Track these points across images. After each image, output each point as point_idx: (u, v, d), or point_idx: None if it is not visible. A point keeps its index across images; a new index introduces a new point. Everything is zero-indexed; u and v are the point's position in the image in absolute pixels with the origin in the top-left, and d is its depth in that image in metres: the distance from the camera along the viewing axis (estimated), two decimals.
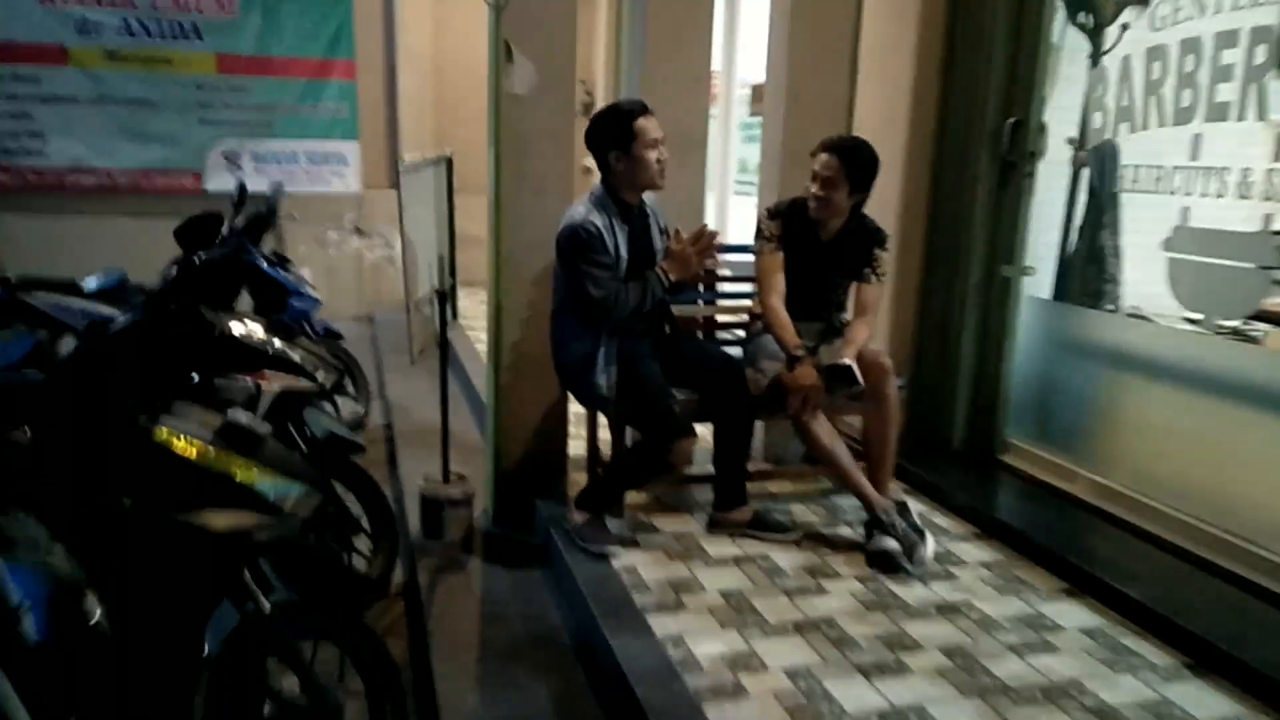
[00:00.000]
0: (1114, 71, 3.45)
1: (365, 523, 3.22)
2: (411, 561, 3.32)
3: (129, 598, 1.99)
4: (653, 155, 3.01)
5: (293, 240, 7.64)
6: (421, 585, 3.17)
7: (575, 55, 3.47)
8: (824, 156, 3.16)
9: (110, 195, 7.37)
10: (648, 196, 3.18)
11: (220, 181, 7.52)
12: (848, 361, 3.01)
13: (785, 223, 3.30)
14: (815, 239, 3.30)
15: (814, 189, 3.19)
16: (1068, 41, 3.72)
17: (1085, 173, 3.66)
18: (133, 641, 1.99)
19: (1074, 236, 3.72)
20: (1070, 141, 3.71)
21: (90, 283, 3.84)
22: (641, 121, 2.99)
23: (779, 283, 3.28)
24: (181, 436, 1.96)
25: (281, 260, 4.86)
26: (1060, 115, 3.68)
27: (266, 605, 2.04)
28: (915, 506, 3.27)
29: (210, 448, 1.98)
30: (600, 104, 8.06)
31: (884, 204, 3.90)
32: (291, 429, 3.08)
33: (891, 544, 2.97)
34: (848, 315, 3.45)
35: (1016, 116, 3.60)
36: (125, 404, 1.99)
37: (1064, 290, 3.75)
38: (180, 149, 7.46)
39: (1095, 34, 3.67)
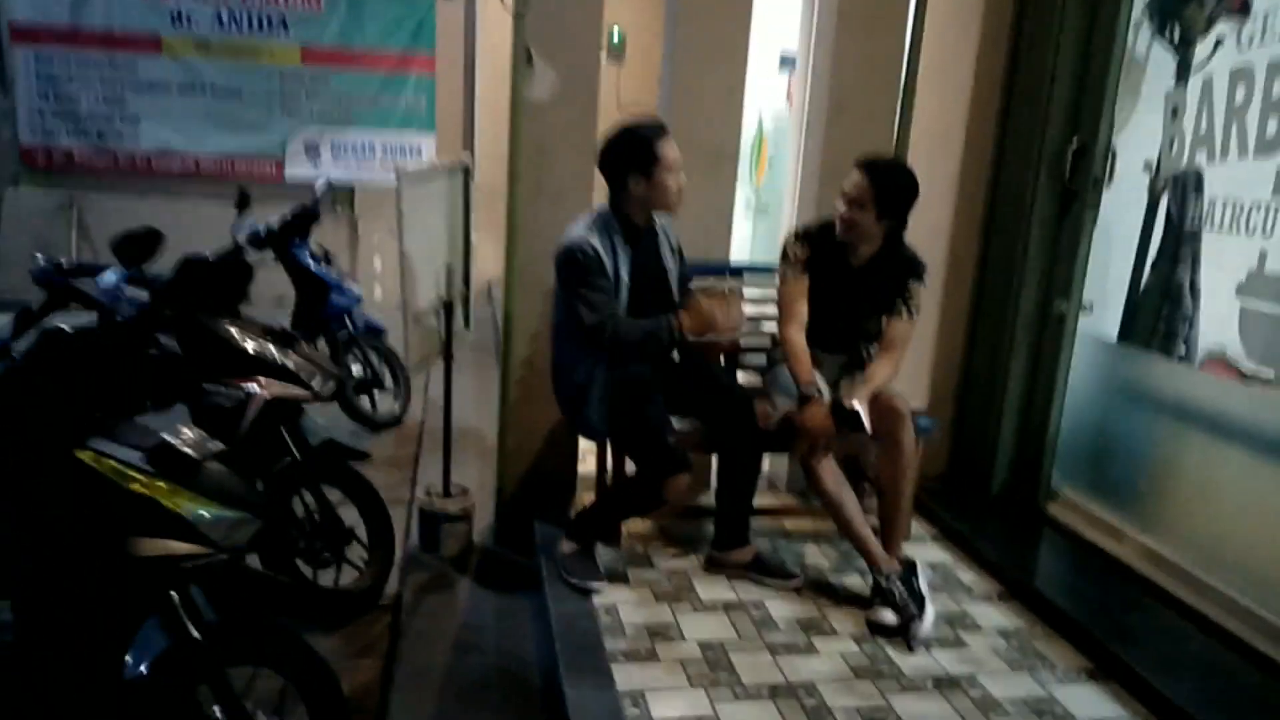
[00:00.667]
0: (1194, 94, 3.09)
1: (363, 531, 3.16)
2: (402, 577, 3.23)
3: (47, 611, 1.95)
4: (674, 181, 2.84)
5: (366, 231, 7.74)
6: (405, 604, 3.08)
7: (599, 61, 3.32)
8: (854, 175, 2.92)
9: (195, 180, 7.59)
10: (658, 214, 3.00)
11: (300, 169, 7.69)
12: (854, 404, 2.78)
13: (813, 246, 3.06)
14: (845, 265, 3.06)
15: (840, 208, 2.96)
16: (1154, 56, 3.38)
17: (1163, 203, 3.31)
18: (47, 657, 1.94)
19: (1146, 274, 3.37)
20: (1147, 167, 3.36)
21: (108, 277, 3.86)
22: (665, 146, 2.82)
23: (800, 311, 3.06)
24: (105, 458, 1.90)
25: (325, 256, 4.88)
26: (1142, 138, 3.33)
27: (194, 631, 1.97)
28: (936, 556, 3.01)
29: (135, 472, 1.91)
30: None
31: (935, 227, 3.63)
32: (286, 435, 3.04)
33: (888, 616, 2.72)
34: None
35: (1081, 140, 3.27)
36: (55, 417, 1.94)
37: (1131, 332, 3.40)
38: (263, 137, 7.63)
39: (1183, 49, 3.31)
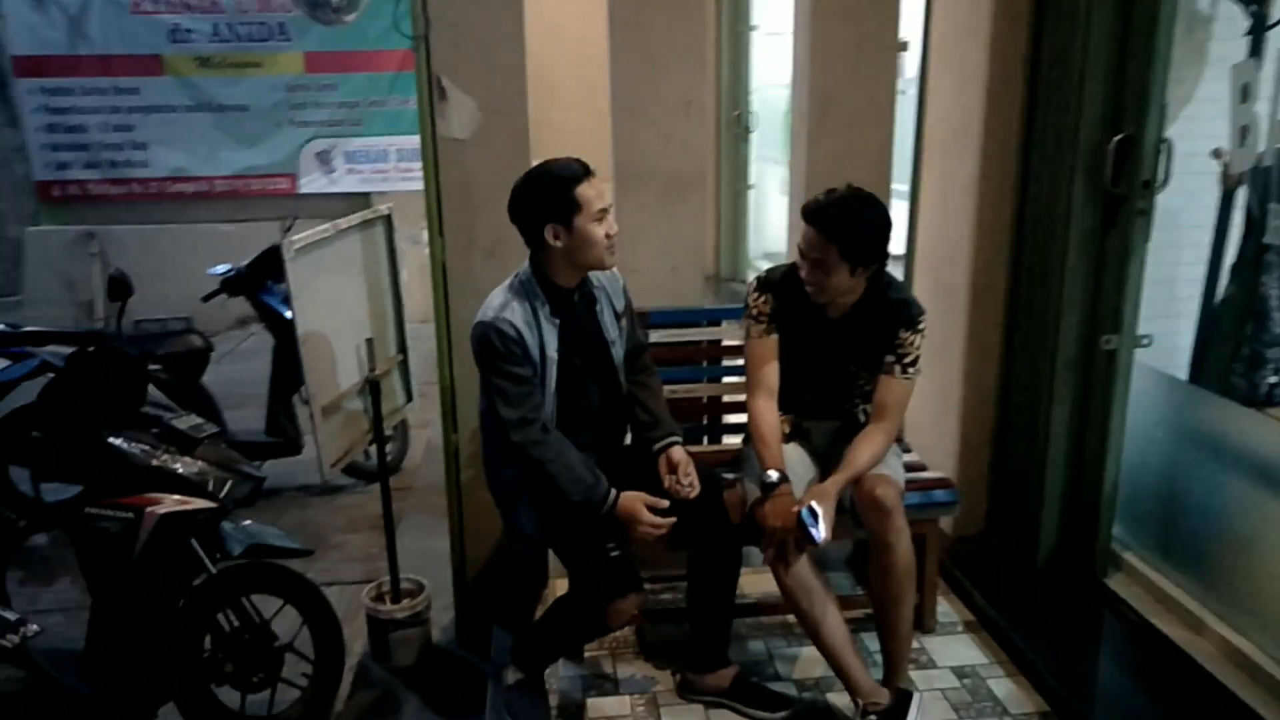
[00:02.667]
0: (1271, 65, 2.39)
1: (309, 638, 2.79)
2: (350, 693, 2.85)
3: None
4: (600, 230, 2.31)
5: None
6: None
7: (526, 84, 2.79)
8: (807, 231, 2.33)
9: (210, 201, 7.36)
10: (598, 272, 2.48)
11: (313, 182, 7.37)
12: (810, 505, 2.23)
13: (779, 297, 2.50)
14: (822, 316, 2.49)
15: (803, 272, 2.38)
16: (1220, 16, 2.68)
17: (1239, 203, 2.63)
18: None
19: (1221, 292, 2.70)
20: (1218, 155, 2.67)
21: None
22: (585, 188, 2.29)
23: (767, 376, 2.51)
24: None
25: None
26: (1209, 115, 2.64)
27: None
28: (966, 655, 2.45)
29: None
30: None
31: (954, 245, 3.02)
32: (199, 547, 2.66)
33: None
34: None
35: (1125, 131, 2.60)
36: None
37: (1204, 367, 2.74)
38: (274, 151, 7.34)
39: (1257, 5, 2.60)
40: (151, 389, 4.31)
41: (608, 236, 2.33)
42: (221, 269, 4.53)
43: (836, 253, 2.27)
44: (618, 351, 2.51)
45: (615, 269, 2.48)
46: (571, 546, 2.39)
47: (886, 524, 2.29)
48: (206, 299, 4.56)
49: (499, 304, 2.37)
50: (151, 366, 4.34)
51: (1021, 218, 2.88)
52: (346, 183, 7.38)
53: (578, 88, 5.86)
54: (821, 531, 2.20)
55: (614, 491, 2.33)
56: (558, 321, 2.39)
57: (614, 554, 2.33)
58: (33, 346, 4.01)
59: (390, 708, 2.83)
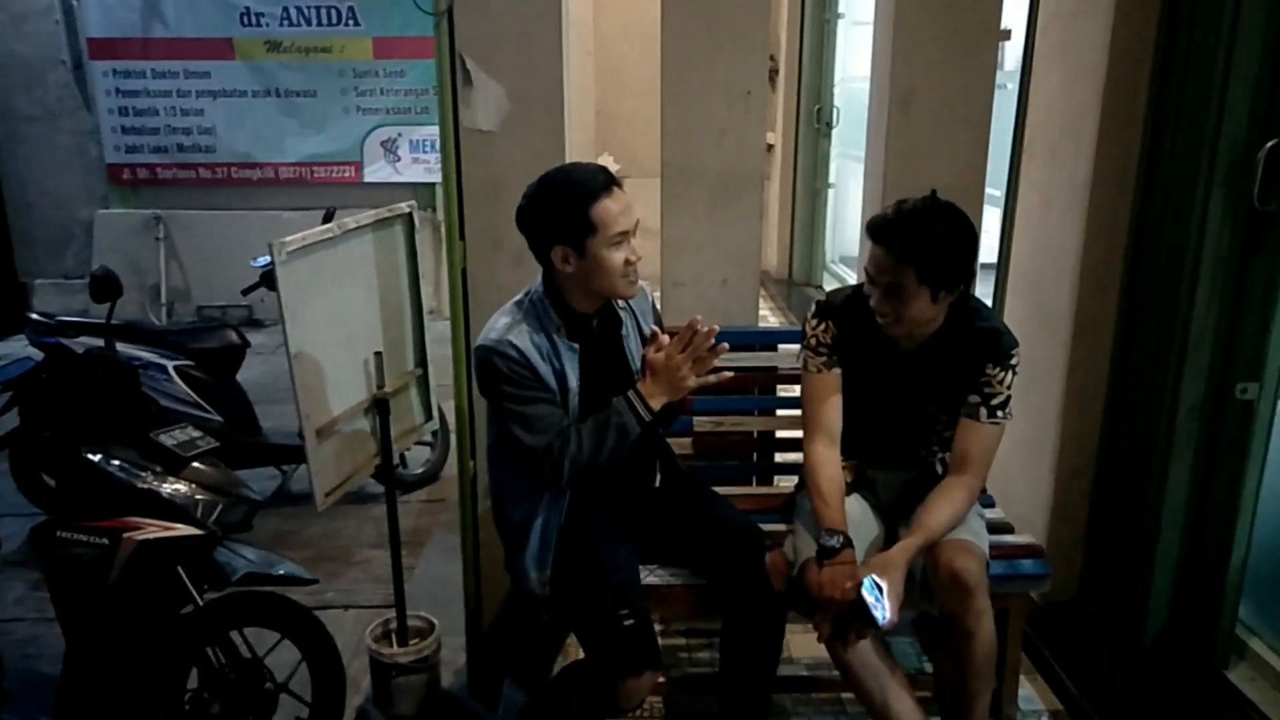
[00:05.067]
0: None
1: (307, 676, 2.53)
2: None
3: None
4: (619, 256, 1.96)
5: None
6: None
7: (562, 70, 2.45)
8: (875, 251, 1.93)
9: (275, 188, 7.25)
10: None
11: (378, 171, 7.20)
12: (871, 579, 1.83)
13: (842, 324, 2.11)
14: (893, 347, 2.10)
15: (873, 300, 1.98)
16: None
17: None
18: None
19: None
20: None
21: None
22: (603, 207, 1.93)
23: (829, 417, 2.12)
24: None
25: None
26: None
27: None
28: None
29: None
30: (784, 73, 6.81)
31: (1059, 260, 2.59)
32: (186, 576, 2.40)
33: None
34: None
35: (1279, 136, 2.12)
36: None
37: None
38: (340, 139, 7.21)
39: None
40: (184, 387, 4.20)
41: (627, 263, 1.98)
42: (263, 261, 4.31)
43: (914, 276, 1.87)
44: None
45: (645, 285, 2.13)
46: (579, 610, 2.05)
47: (967, 605, 1.89)
48: (246, 292, 4.37)
49: (503, 325, 2.04)
50: (184, 363, 4.18)
51: (1141, 235, 2.42)
52: (411, 172, 7.20)
53: (654, 76, 5.48)
54: (887, 613, 1.81)
55: (629, 396, 2.00)
56: (577, 347, 2.05)
57: (628, 623, 1.98)
58: (65, 338, 3.85)
59: None
